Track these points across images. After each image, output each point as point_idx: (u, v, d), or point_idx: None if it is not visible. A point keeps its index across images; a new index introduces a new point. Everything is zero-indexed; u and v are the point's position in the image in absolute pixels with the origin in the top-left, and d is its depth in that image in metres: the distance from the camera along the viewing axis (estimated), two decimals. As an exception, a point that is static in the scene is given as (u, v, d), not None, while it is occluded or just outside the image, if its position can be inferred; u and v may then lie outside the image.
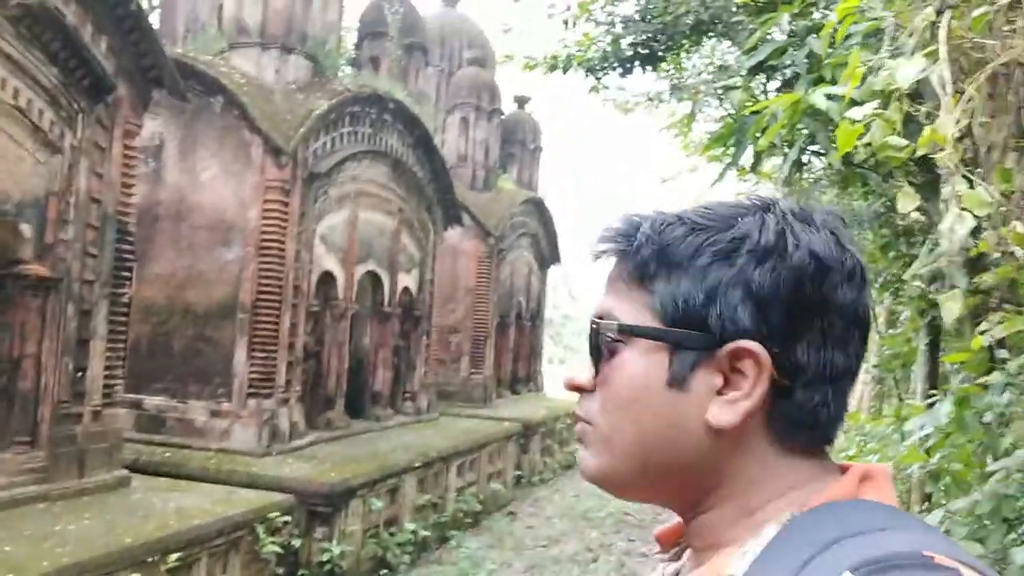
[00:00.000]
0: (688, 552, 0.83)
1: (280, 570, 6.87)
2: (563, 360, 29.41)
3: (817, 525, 0.67)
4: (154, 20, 12.11)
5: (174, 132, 9.01)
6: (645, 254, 0.76)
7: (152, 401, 8.94)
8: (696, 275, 0.73)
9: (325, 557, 7.35)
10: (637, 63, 5.57)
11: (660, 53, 5.25)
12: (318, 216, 9.18)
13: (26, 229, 5.80)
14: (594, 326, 0.79)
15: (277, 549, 6.52)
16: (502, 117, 15.76)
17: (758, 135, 3.58)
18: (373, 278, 10.49)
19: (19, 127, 5.67)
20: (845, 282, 0.73)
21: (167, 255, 9.00)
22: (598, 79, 5.68)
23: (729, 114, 4.37)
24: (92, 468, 6.31)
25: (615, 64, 5.57)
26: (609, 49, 5.55)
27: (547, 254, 17.64)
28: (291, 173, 8.63)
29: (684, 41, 5.12)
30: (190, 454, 8.26)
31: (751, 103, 3.88)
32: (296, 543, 7.17)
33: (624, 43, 5.39)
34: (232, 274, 8.70)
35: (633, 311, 0.76)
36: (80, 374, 6.30)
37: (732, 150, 4.13)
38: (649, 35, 5.16)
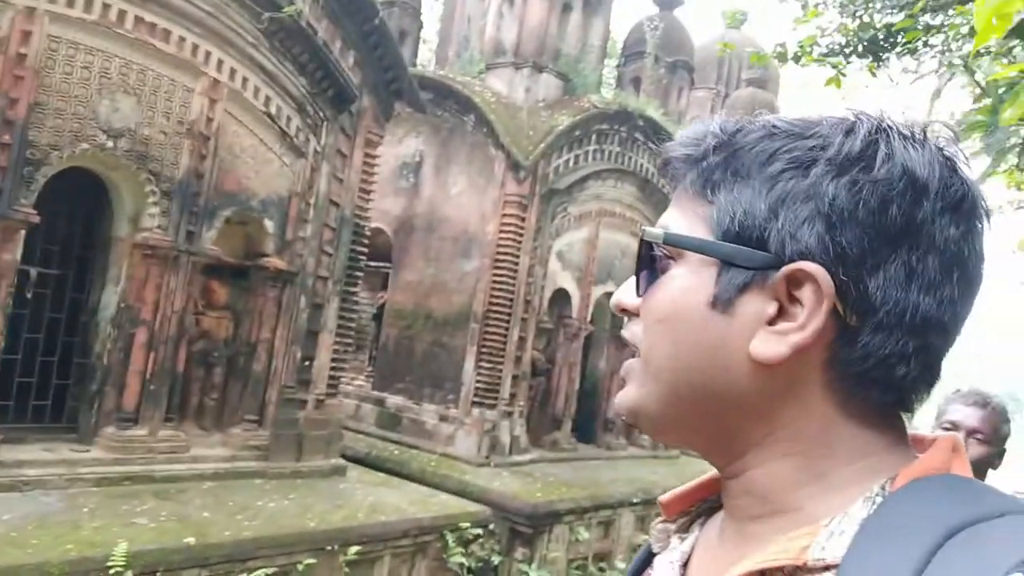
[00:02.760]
0: (705, 525, 0.77)
1: (473, 584, 6.76)
2: None
3: (922, 506, 0.58)
4: (432, 45, 13.02)
5: (432, 149, 9.51)
6: (712, 161, 0.68)
7: (393, 400, 9.44)
8: (762, 185, 0.65)
9: (521, 579, 7.10)
10: (886, 47, 4.59)
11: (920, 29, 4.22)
12: (555, 232, 9.09)
13: (269, 225, 6.36)
14: (641, 237, 0.71)
15: (464, 561, 6.40)
16: (782, 141, 14.62)
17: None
18: (613, 300, 10.14)
19: (269, 132, 6.25)
20: (948, 212, 0.63)
21: (417, 264, 9.49)
22: (836, 68, 4.81)
23: (982, 91, 3.39)
24: (309, 453, 6.71)
25: (860, 50, 4.65)
26: (853, 32, 4.66)
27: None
28: (529, 188, 8.64)
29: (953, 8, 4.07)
30: (416, 454, 8.54)
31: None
32: (495, 559, 7.01)
33: (876, 19, 4.48)
34: (469, 284, 8.91)
35: (688, 223, 0.69)
36: (307, 363, 6.76)
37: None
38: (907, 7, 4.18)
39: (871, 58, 4.75)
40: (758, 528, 0.66)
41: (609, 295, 10.01)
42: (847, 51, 4.80)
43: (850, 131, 0.64)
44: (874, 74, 4.83)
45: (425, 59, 14.15)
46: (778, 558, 0.61)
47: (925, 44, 4.48)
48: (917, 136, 0.64)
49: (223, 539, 4.77)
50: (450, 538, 6.36)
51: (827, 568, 0.58)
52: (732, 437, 0.68)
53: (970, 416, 2.49)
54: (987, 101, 3.68)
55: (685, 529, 0.79)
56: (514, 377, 8.75)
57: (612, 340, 10.36)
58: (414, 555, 6.19)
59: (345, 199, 6.91)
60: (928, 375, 0.65)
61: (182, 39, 5.57)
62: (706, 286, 0.66)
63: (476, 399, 8.61)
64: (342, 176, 6.86)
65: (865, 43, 4.70)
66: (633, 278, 0.73)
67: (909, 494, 0.60)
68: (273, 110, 6.22)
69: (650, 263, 0.71)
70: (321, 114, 6.59)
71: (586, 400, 10.15)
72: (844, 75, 4.74)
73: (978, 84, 3.61)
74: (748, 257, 0.64)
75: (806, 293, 0.63)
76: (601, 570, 8.12)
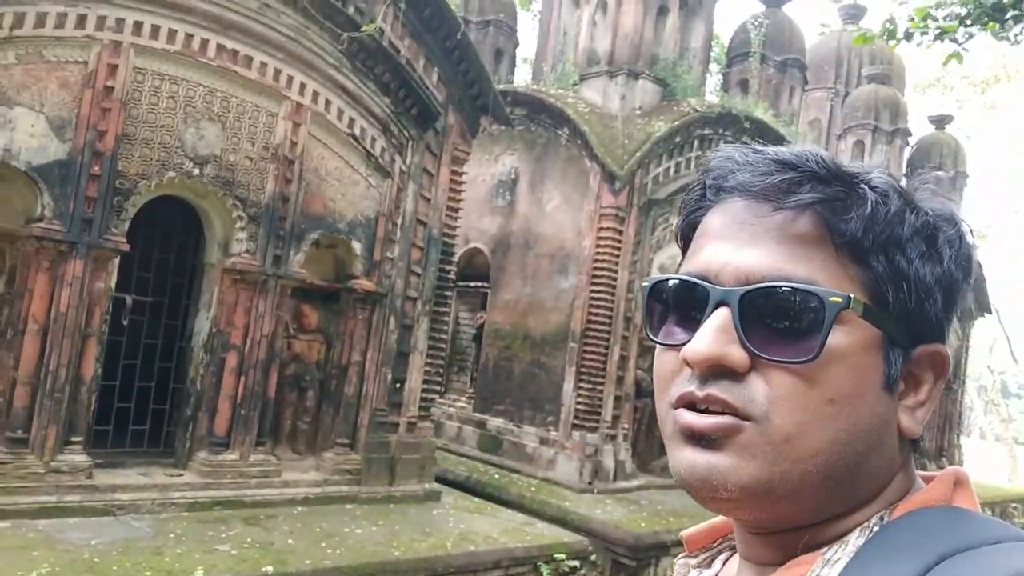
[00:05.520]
0: (727, 560, 0.77)
1: (572, 617, 6.38)
2: (999, 437, 23.80)
3: (916, 534, 0.60)
4: (530, 60, 12.90)
5: (527, 166, 9.31)
6: (869, 223, 0.64)
7: (493, 422, 9.23)
8: (930, 265, 0.65)
9: (625, 614, 6.66)
10: (1013, 13, 3.95)
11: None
12: (657, 245, 8.66)
13: (357, 247, 6.31)
14: (782, 290, 0.63)
15: (559, 594, 6.05)
16: (910, 139, 13.56)
17: None
18: (723, 316, 9.56)
19: (354, 153, 6.22)
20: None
21: (514, 284, 9.28)
22: (957, 42, 4.19)
23: None
24: (402, 477, 6.57)
25: (983, 18, 4.02)
26: (975, 1, 4.04)
27: (970, 301, 14.61)
28: (626, 200, 8.28)
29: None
30: (516, 479, 8.28)
31: None
32: (597, 592, 6.63)
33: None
34: (566, 302, 8.61)
35: (842, 285, 0.63)
36: (398, 385, 6.65)
37: None
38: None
39: (1000, 25, 4.13)
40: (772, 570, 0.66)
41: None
42: (967, 22, 4.19)
43: (951, 220, 0.68)
44: (999, 38, 4.18)
45: (524, 79, 14.05)
46: None
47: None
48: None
49: (302, 568, 4.65)
50: (544, 570, 6.03)
51: None
52: (844, 508, 0.66)
53: None
54: None
55: (708, 564, 0.79)
56: (616, 398, 8.35)
57: (723, 358, 9.77)
58: (506, 586, 5.90)
59: (432, 218, 6.79)
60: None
61: (264, 65, 5.61)
62: (878, 364, 0.64)
63: (576, 421, 8.27)
64: (429, 195, 6.74)
65: (989, 11, 4.08)
66: (715, 326, 0.64)
67: (905, 523, 0.62)
68: (357, 131, 6.19)
69: (809, 325, 0.62)
70: (406, 133, 6.50)
71: (697, 422, 9.59)
72: (966, 50, 4.14)
73: None
74: (908, 337, 0.65)
75: (925, 369, 0.66)
76: (715, 606, 7.54)
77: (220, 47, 5.37)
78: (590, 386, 8.21)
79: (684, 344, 0.65)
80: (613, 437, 8.35)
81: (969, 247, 0.68)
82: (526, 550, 5.97)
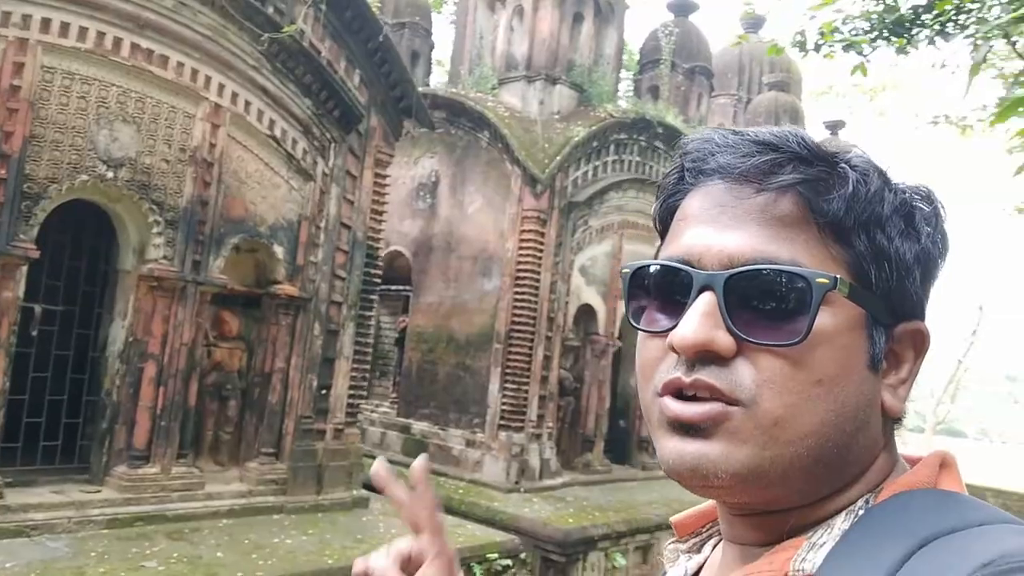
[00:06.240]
0: (716, 546, 0.76)
1: (505, 616, 6.44)
2: (921, 429, 25.01)
3: (901, 517, 0.59)
4: (447, 67, 12.93)
5: (448, 168, 9.33)
6: (836, 203, 0.64)
7: (418, 426, 9.20)
8: (909, 242, 0.66)
9: (555, 610, 6.76)
10: (914, 27, 4.27)
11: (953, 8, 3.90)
12: (577, 247, 8.82)
13: (279, 251, 6.19)
14: (767, 272, 0.62)
15: (492, 593, 6.09)
16: (808, 145, 14.25)
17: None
18: (641, 315, 9.82)
19: (275, 155, 6.10)
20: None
21: (437, 286, 9.28)
22: (862, 54, 4.49)
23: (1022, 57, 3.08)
24: (330, 485, 6.48)
25: (886, 33, 4.33)
26: (878, 16, 4.35)
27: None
28: (548, 202, 8.41)
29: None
30: (443, 482, 8.26)
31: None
32: (528, 590, 6.70)
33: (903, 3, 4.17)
34: (490, 304, 8.67)
35: (826, 266, 0.63)
36: (324, 392, 6.55)
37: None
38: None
39: (898, 40, 4.43)
40: (760, 552, 0.66)
41: (636, 309, 9.71)
42: (871, 36, 4.49)
43: (927, 198, 0.68)
44: (905, 53, 4.49)
45: (439, 81, 14.04)
46: (762, 570, 0.62)
47: (955, 22, 4.18)
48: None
49: (234, 581, 4.54)
50: (478, 571, 6.07)
51: None
52: (835, 486, 0.66)
53: None
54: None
55: (697, 550, 0.79)
56: (541, 398, 8.46)
57: (641, 355, 10.04)
58: (440, 589, 5.89)
59: (356, 221, 6.73)
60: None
61: (180, 65, 5.45)
62: (863, 344, 0.64)
63: (502, 422, 8.33)
64: (352, 198, 6.68)
65: (890, 26, 4.39)
66: (701, 311, 0.63)
67: (890, 506, 0.62)
68: (278, 133, 6.07)
69: (795, 306, 0.62)
70: (328, 135, 6.43)
71: (618, 419, 9.82)
72: (869, 61, 4.44)
73: (1019, 54, 3.30)
74: (889, 314, 0.65)
75: (906, 346, 0.66)
76: (640, 597, 7.75)
77: (134, 46, 5.18)
78: (515, 387, 8.29)
79: (668, 331, 0.64)
80: (538, 436, 8.45)
81: (944, 224, 0.68)
82: (459, 551, 5.97)
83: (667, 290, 0.67)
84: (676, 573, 0.78)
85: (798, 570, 0.60)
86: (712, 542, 0.77)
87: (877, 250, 0.64)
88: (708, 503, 0.76)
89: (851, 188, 0.63)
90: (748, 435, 0.62)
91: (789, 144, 0.65)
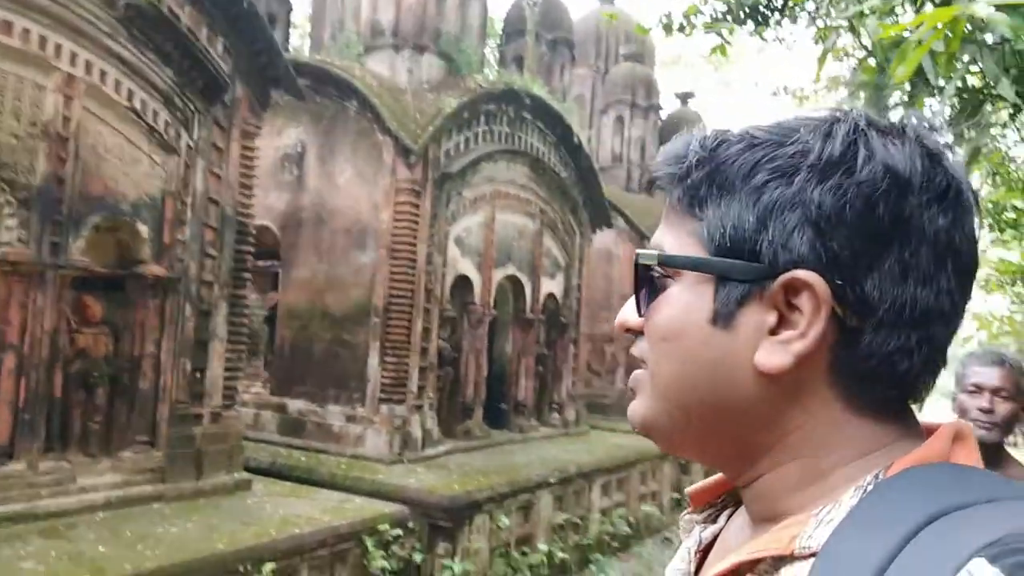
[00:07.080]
0: (732, 516, 0.78)
1: (397, 585, 6.53)
2: None
3: (908, 493, 0.59)
4: (304, 30, 12.49)
5: (314, 139, 9.09)
6: (696, 177, 0.68)
7: (294, 405, 9.02)
8: (748, 197, 0.65)
9: (446, 575, 6.92)
10: (768, 13, 4.65)
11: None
12: (451, 218, 8.88)
13: (143, 230, 5.87)
14: (637, 259, 0.71)
15: (385, 564, 6.16)
16: (662, 115, 14.91)
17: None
18: (514, 283, 10.05)
19: (135, 128, 5.75)
20: (935, 203, 0.63)
21: (309, 260, 9.08)
22: (721, 36, 4.84)
23: (867, 52, 3.44)
24: (210, 470, 6.29)
25: (742, 16, 4.69)
26: (736, 1, 4.69)
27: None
28: (421, 174, 8.39)
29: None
30: (324, 459, 8.19)
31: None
32: (417, 558, 6.80)
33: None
34: (366, 277, 8.59)
35: (679, 242, 0.70)
36: (199, 375, 6.32)
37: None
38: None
39: (755, 24, 4.81)
40: (767, 527, 0.67)
41: (511, 279, 9.94)
42: (729, 18, 4.83)
43: (828, 134, 0.64)
44: (763, 38, 4.89)
45: (297, 44, 13.56)
46: (768, 547, 0.62)
47: (803, 8, 4.58)
48: (896, 132, 0.65)
49: (124, 572, 4.36)
50: (369, 542, 6.10)
51: (813, 555, 0.59)
52: (743, 447, 0.69)
53: (990, 376, 2.56)
54: (872, 61, 3.75)
55: (713, 520, 0.81)
56: (421, 369, 8.53)
57: (516, 323, 10.29)
58: (333, 564, 5.90)
59: (225, 196, 6.47)
60: (933, 365, 0.65)
61: (27, 31, 5.01)
62: (705, 303, 0.67)
63: (383, 396, 8.34)
64: (219, 172, 6.41)
65: (747, 9, 4.74)
66: (632, 297, 0.74)
67: (898, 482, 0.61)
68: (137, 105, 5.73)
69: (648, 283, 0.71)
70: (191, 106, 6.12)
71: (495, 385, 10.04)
72: (729, 43, 4.77)
73: (863, 46, 3.67)
74: (742, 270, 0.65)
75: (804, 301, 0.63)
76: (524, 554, 8.05)
77: (-29, 9, 4.72)
78: (395, 359, 8.30)
79: None
80: (420, 407, 8.52)
81: (841, 164, 0.63)
82: (350, 525, 6.00)
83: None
84: (690, 543, 0.81)
85: (804, 547, 0.60)
86: (727, 512, 0.80)
87: (721, 214, 0.66)
88: (718, 476, 0.80)
89: (711, 165, 0.67)
90: (646, 391, 0.72)
91: (677, 150, 0.71)
